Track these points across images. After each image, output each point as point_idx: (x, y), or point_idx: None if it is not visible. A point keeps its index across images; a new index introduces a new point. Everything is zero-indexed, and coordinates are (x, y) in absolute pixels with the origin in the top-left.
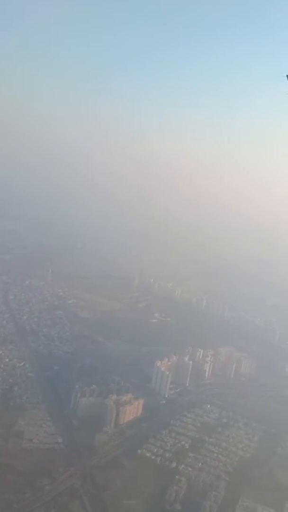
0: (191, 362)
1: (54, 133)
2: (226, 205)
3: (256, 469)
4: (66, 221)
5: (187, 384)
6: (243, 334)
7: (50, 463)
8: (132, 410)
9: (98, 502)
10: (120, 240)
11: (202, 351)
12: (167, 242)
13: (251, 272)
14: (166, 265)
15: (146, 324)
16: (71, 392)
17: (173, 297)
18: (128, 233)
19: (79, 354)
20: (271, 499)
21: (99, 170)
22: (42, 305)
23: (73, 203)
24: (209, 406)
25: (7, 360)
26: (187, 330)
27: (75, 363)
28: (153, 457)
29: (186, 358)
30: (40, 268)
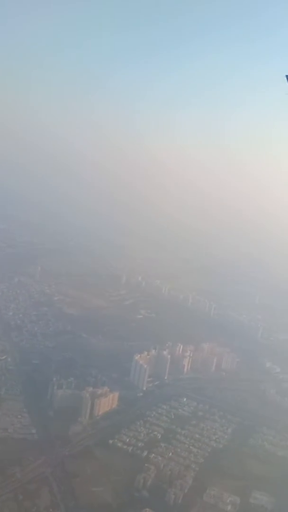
0: (169, 356)
1: (49, 132)
2: (223, 203)
3: (226, 460)
4: (60, 221)
5: (165, 378)
6: (227, 331)
7: (22, 452)
8: (107, 402)
9: (67, 489)
10: (113, 239)
11: (182, 346)
12: (161, 240)
13: (243, 270)
14: (158, 263)
15: (131, 320)
16: (49, 384)
17: (160, 295)
18: (122, 231)
19: (61, 348)
20: (239, 487)
21: (94, 170)
22: (29, 302)
23: (68, 202)
24: (185, 399)
25: None
26: (171, 326)
27: (55, 357)
28: (124, 447)
29: (165, 352)
30: (30, 266)
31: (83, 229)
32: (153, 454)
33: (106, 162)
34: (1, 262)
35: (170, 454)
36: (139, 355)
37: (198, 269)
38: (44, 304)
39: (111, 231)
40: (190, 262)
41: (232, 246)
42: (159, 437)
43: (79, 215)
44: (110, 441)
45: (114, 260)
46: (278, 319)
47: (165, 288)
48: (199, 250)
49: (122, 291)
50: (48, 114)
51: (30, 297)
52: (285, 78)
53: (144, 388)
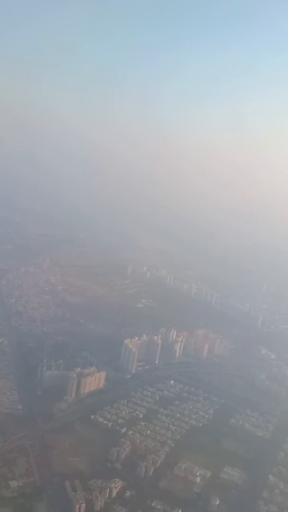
0: (160, 341)
1: (66, 125)
2: (240, 193)
3: (203, 438)
4: (74, 213)
5: (156, 362)
6: (227, 319)
7: (7, 425)
8: (94, 381)
9: (43, 459)
10: (127, 231)
11: (175, 332)
12: (175, 231)
13: (256, 260)
14: (167, 254)
15: (131, 308)
16: (39, 366)
17: (164, 284)
18: (136, 223)
19: (57, 333)
20: (212, 463)
21: (111, 162)
22: (32, 290)
23: (85, 195)
24: (172, 382)
25: None
26: (170, 314)
27: (50, 341)
28: (105, 422)
29: (156, 338)
30: (39, 257)
31: (96, 221)
32: (131, 431)
33: (125, 154)
34: (12, 253)
35: (149, 431)
36: (129, 340)
37: (208, 260)
38: (47, 293)
39: (125, 223)
40: (204, 252)
41: (246, 236)
42: (141, 416)
43: (95, 208)
44: (92, 417)
45: (123, 251)
46: (283, 308)
47: (170, 278)
48: (215, 241)
49: (126, 281)
50: (67, 107)
51: (35, 286)
52: None
53: (133, 371)
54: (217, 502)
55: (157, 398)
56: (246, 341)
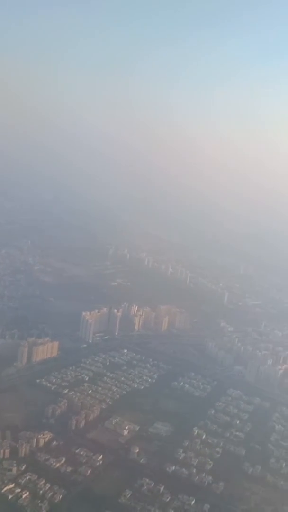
0: (119, 314)
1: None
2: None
3: (142, 398)
4: (72, 199)
5: (116, 334)
6: (197, 297)
7: None
8: (46, 350)
9: None
10: (119, 216)
11: (136, 306)
12: (168, 215)
13: (240, 245)
14: (154, 238)
15: (104, 287)
16: None
17: (142, 266)
18: (132, 208)
19: (22, 309)
20: (143, 419)
21: (112, 146)
22: (8, 270)
23: (86, 181)
24: (125, 350)
25: None
26: (141, 292)
27: (11, 315)
28: (49, 385)
29: (116, 311)
30: (21, 240)
31: (94, 208)
32: (73, 391)
33: (126, 138)
34: None
35: (90, 391)
36: (87, 313)
37: (198, 243)
38: (22, 273)
39: (123, 208)
40: (194, 236)
41: (248, 222)
42: (86, 378)
43: (96, 194)
44: (37, 381)
45: (110, 236)
46: (254, 287)
47: (149, 260)
48: (209, 225)
49: (106, 263)
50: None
51: (11, 266)
52: None
53: (90, 341)
54: (137, 450)
55: (107, 363)
56: (210, 316)
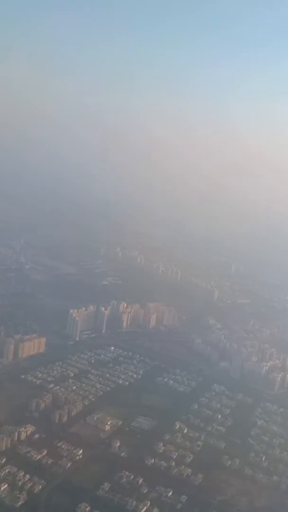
0: (106, 312)
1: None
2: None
3: (126, 393)
4: (71, 198)
5: (103, 331)
6: (187, 294)
7: None
8: (33, 346)
9: None
10: (114, 215)
11: (125, 304)
12: (164, 216)
13: (232, 245)
14: (148, 237)
15: (95, 285)
16: None
17: (134, 264)
18: (127, 209)
19: (10, 306)
20: (126, 414)
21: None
22: None
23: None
24: (112, 348)
25: None
26: (131, 290)
27: None
28: (34, 380)
29: (103, 309)
30: (14, 239)
31: (86, 207)
32: (58, 387)
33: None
34: None
35: (74, 387)
36: (75, 310)
37: (188, 243)
38: (13, 271)
39: (117, 208)
40: (183, 236)
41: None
42: (72, 375)
43: (97, 193)
44: (23, 376)
45: (104, 234)
46: (245, 286)
47: (140, 258)
48: (197, 226)
49: (98, 261)
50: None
51: (2, 265)
52: None
53: (78, 338)
54: (118, 444)
55: (93, 361)
56: (199, 314)
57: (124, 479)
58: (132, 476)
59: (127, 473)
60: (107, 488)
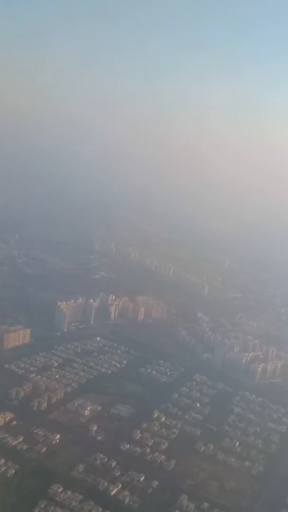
0: (95, 304)
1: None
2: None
3: (107, 382)
4: (66, 194)
5: (91, 323)
6: (178, 289)
7: None
8: (18, 337)
9: None
10: (112, 212)
11: (113, 297)
12: (162, 212)
13: (231, 242)
14: (142, 233)
15: (86, 279)
16: None
17: (127, 260)
18: (125, 204)
19: (0, 299)
20: (106, 401)
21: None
22: None
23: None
24: (99, 338)
25: None
26: (123, 284)
27: None
28: (17, 370)
29: (91, 301)
30: (9, 233)
31: (85, 203)
32: (39, 376)
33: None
34: None
35: (57, 376)
36: (63, 302)
37: (182, 239)
38: (5, 264)
39: (117, 205)
40: (178, 232)
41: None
42: (55, 364)
43: (98, 191)
44: (6, 366)
45: (99, 230)
46: (237, 281)
47: (135, 254)
48: (194, 223)
49: (91, 256)
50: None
51: None
52: None
53: (65, 330)
54: (95, 428)
55: (78, 351)
56: (188, 307)
57: (98, 461)
58: (106, 459)
59: (102, 455)
60: (81, 469)
